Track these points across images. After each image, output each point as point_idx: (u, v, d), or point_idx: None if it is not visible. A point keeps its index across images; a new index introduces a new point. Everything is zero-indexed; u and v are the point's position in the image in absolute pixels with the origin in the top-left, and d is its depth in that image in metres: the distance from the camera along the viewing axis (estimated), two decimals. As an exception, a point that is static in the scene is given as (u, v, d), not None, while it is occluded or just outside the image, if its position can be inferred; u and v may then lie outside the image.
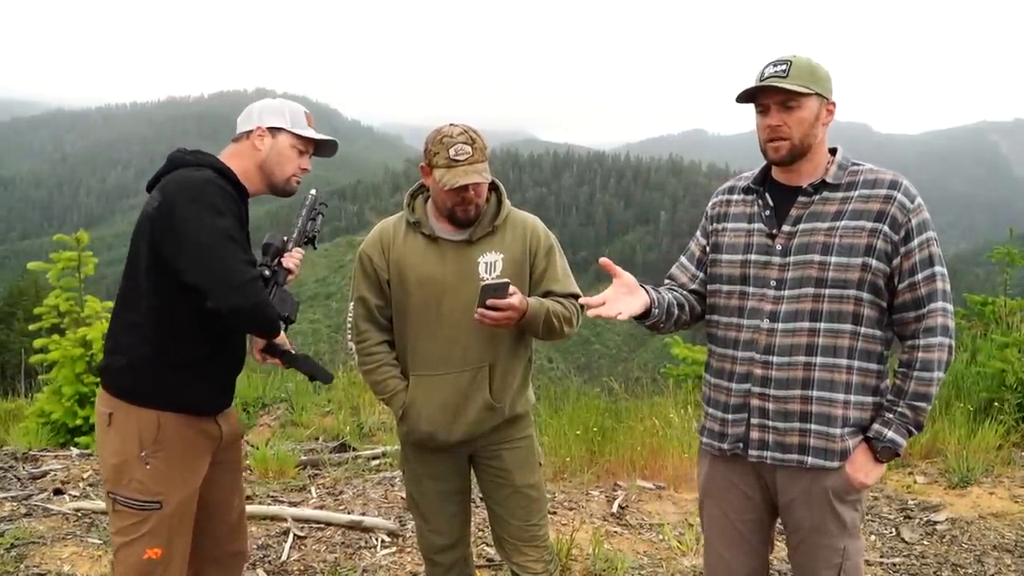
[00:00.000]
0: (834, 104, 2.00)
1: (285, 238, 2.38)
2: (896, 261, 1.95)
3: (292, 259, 2.35)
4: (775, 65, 1.95)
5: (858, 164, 2.04)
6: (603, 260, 2.07)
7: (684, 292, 2.25)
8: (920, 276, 1.95)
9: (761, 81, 1.95)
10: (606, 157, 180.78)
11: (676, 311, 2.19)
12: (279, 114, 2.26)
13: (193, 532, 2.22)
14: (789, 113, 1.95)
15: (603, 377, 7.86)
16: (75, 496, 4.24)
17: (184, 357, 2.12)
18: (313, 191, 2.50)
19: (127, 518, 2.10)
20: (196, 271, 2.01)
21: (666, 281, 2.33)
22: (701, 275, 2.25)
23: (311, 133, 2.28)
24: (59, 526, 3.81)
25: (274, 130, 2.24)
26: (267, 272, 2.26)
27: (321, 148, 2.35)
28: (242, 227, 2.13)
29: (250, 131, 2.24)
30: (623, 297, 2.06)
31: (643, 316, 2.10)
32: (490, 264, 2.36)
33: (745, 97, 2.00)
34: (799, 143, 1.97)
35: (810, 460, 2.01)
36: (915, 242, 1.94)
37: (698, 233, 2.29)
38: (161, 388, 2.10)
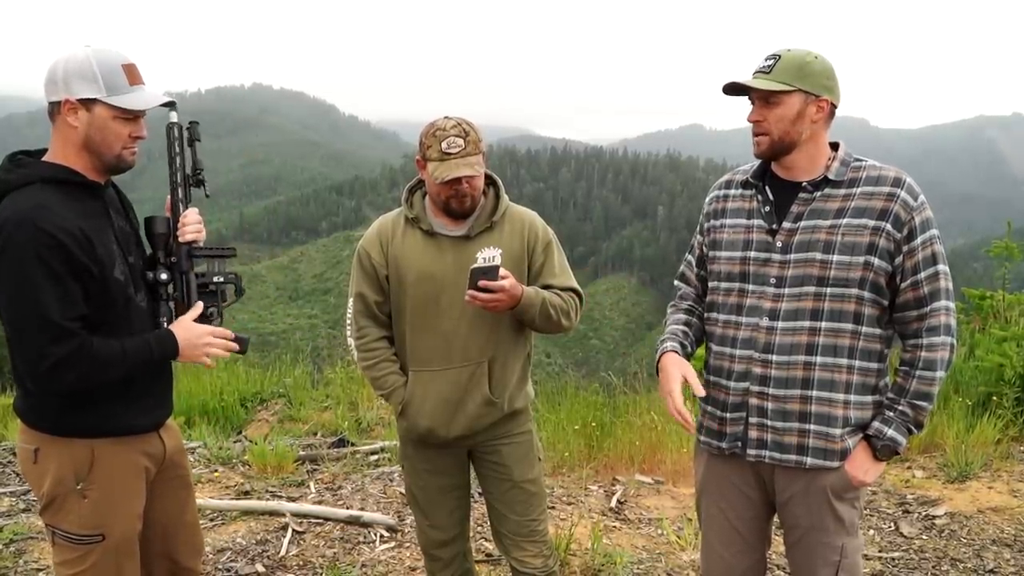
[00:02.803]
0: (827, 100, 1.96)
1: (169, 216, 2.09)
2: (898, 260, 1.94)
3: (189, 229, 2.06)
4: (765, 60, 1.96)
5: (861, 160, 2.02)
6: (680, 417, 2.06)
7: (697, 307, 2.26)
8: (923, 275, 1.93)
9: (754, 76, 1.96)
10: (604, 152, 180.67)
11: (700, 335, 2.23)
12: (89, 79, 1.86)
13: (145, 552, 2.13)
14: (769, 109, 1.95)
15: (601, 372, 7.86)
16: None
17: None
18: (173, 114, 2.06)
19: (69, 552, 1.97)
20: (12, 344, 1.86)
21: (677, 282, 2.36)
22: (704, 274, 2.25)
23: (133, 101, 1.90)
24: (57, 522, 3.81)
25: (87, 102, 1.87)
26: (163, 276, 2.04)
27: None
28: (72, 256, 1.83)
29: (59, 103, 1.88)
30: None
31: None
32: (488, 259, 2.35)
33: (732, 92, 2.00)
34: (778, 139, 1.96)
35: (809, 460, 2.00)
36: (918, 240, 1.93)
37: (697, 231, 2.29)
38: (88, 417, 1.95)
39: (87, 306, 1.89)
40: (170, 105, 2.00)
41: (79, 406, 1.95)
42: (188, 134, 2.09)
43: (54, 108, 1.90)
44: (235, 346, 2.10)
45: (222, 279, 2.13)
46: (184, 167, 2.09)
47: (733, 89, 1.99)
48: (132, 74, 1.92)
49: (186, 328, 2.03)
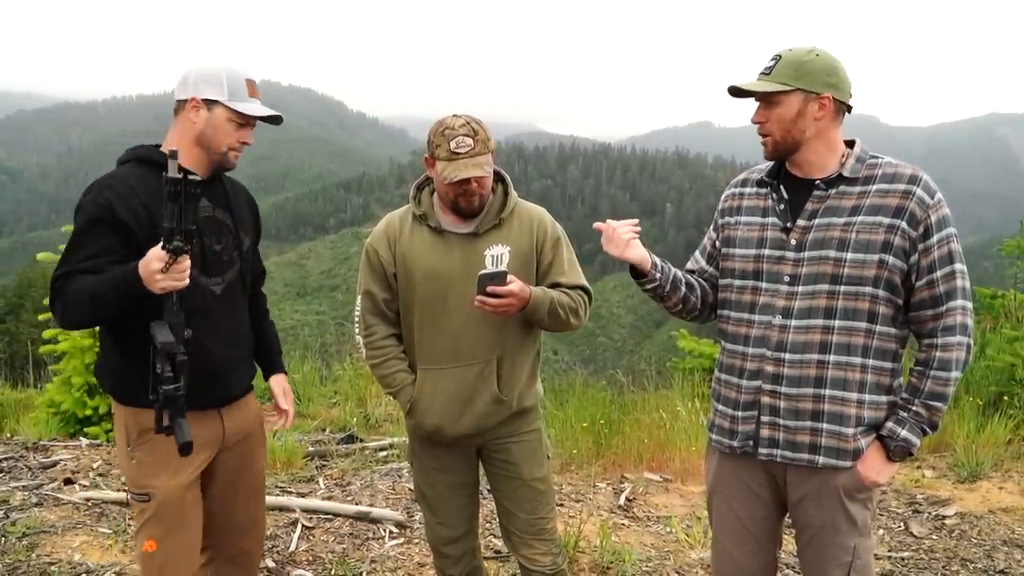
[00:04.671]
0: (828, 97, 1.93)
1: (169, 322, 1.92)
2: (914, 258, 1.92)
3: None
4: (769, 60, 1.98)
5: (876, 157, 2.01)
6: (597, 225, 2.10)
7: (697, 278, 2.24)
8: (939, 273, 1.92)
9: (758, 77, 1.97)
10: (612, 149, 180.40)
11: (683, 288, 2.19)
12: (216, 84, 2.11)
13: (212, 526, 2.29)
14: (770, 110, 1.97)
15: (608, 370, 7.85)
16: (85, 486, 4.26)
17: (145, 356, 1.97)
18: (172, 164, 1.80)
19: (134, 507, 2.21)
20: None
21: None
22: (710, 269, 2.24)
23: (248, 108, 2.13)
24: (69, 515, 3.83)
25: (210, 102, 2.11)
26: (162, 392, 1.88)
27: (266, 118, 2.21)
28: (117, 216, 1.99)
29: (185, 101, 2.13)
30: (628, 241, 2.08)
31: (643, 276, 2.12)
32: (496, 257, 2.34)
33: (736, 95, 2.01)
34: (780, 140, 1.97)
35: (821, 460, 1.99)
36: (934, 239, 1.91)
37: (710, 227, 2.28)
38: (134, 386, 2.05)
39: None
40: (275, 119, 2.19)
41: (125, 374, 2.13)
42: (185, 188, 1.81)
43: (180, 105, 2.14)
44: (183, 282, 1.88)
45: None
46: (175, 224, 1.82)
47: (736, 92, 2.00)
48: (252, 88, 2.17)
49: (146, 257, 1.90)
